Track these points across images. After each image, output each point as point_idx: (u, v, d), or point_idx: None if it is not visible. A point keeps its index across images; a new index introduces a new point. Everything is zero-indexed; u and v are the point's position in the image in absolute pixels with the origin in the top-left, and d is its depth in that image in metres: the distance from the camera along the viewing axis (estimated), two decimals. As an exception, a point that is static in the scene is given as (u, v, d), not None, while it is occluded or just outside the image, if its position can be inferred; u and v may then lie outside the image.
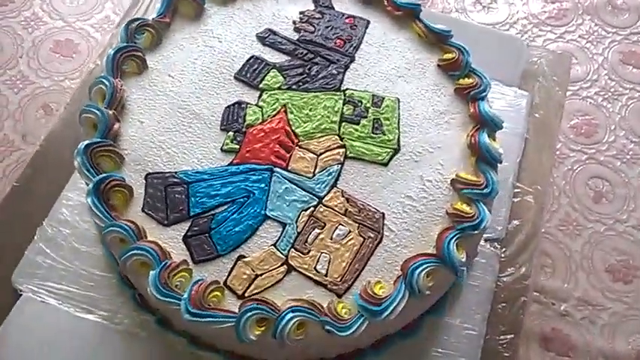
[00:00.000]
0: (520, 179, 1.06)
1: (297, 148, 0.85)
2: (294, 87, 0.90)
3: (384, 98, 0.90)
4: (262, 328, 0.72)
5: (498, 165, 0.84)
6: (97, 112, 0.83)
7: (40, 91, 1.29)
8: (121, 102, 0.87)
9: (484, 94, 0.89)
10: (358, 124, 0.88)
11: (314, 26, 0.96)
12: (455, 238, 0.77)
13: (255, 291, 0.76)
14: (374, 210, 0.82)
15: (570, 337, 1.08)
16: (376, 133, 0.87)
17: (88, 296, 0.91)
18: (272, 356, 0.81)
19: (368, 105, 0.89)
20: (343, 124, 0.88)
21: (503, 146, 1.03)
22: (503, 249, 1.00)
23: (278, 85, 0.90)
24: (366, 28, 0.97)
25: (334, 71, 0.92)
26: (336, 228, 0.80)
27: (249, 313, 0.71)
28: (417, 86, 0.92)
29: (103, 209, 0.77)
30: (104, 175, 0.79)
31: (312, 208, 0.81)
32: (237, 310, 0.72)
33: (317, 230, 0.80)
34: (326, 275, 0.77)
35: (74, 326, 0.88)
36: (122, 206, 0.80)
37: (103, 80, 0.86)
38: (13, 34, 1.37)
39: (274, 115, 0.88)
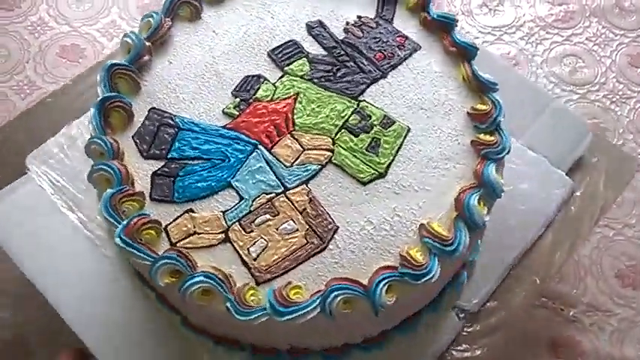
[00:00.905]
0: (521, 262, 0.99)
1: (288, 135, 0.86)
2: (315, 80, 0.91)
3: (394, 122, 0.88)
4: (173, 279, 0.74)
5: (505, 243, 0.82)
6: (134, 39, 0.90)
7: (46, 96, 1.18)
8: (162, 38, 0.93)
9: (498, 156, 0.84)
10: (357, 136, 0.86)
11: (363, 33, 0.96)
12: (389, 280, 0.74)
13: (187, 245, 0.78)
14: (330, 220, 0.80)
15: (579, 343, 1.08)
16: (369, 152, 0.85)
17: (77, 198, 0.99)
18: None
19: (375, 122, 0.88)
20: (343, 131, 0.87)
21: (516, 226, 0.97)
22: (470, 324, 0.94)
23: (302, 73, 0.92)
24: (414, 52, 0.95)
25: (360, 80, 0.91)
26: (286, 221, 0.80)
27: (166, 260, 0.74)
28: (435, 124, 0.88)
29: (99, 122, 0.84)
30: (113, 94, 0.86)
31: (273, 194, 0.82)
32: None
33: (268, 216, 0.80)
34: (255, 259, 0.77)
35: (55, 220, 0.97)
36: (118, 126, 0.86)
37: (153, 15, 0.93)
38: (19, 39, 1.36)
39: (284, 99, 0.89)
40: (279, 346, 0.86)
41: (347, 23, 0.97)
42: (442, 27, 0.96)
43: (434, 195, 0.83)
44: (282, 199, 0.81)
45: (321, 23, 0.97)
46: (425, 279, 0.74)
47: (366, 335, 0.88)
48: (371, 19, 0.98)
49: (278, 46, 0.94)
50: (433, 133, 0.88)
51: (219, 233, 0.79)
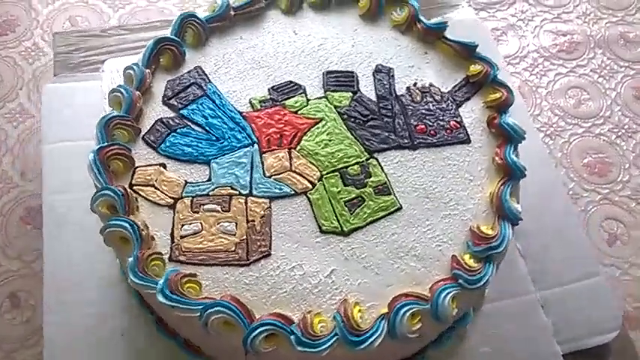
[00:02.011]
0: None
1: (286, 149, 0.85)
2: (345, 117, 0.89)
3: (390, 194, 0.83)
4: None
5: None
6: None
7: (39, 125, 1.15)
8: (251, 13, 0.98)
9: (472, 286, 0.75)
10: (345, 185, 0.83)
11: (422, 100, 0.91)
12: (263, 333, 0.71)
13: (135, 188, 0.81)
14: (267, 245, 0.78)
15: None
16: (347, 206, 0.81)
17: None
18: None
19: (371, 184, 0.83)
20: (337, 173, 0.84)
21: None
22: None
23: (339, 105, 0.90)
24: (459, 143, 0.88)
25: (386, 138, 0.87)
26: (231, 222, 0.79)
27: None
28: (428, 219, 0.82)
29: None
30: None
31: (237, 192, 0.81)
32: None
33: (219, 208, 0.80)
34: (181, 237, 0.78)
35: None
36: (169, 66, 0.92)
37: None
38: (13, 64, 1.29)
39: (307, 118, 0.88)
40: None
41: (415, 84, 0.93)
42: (505, 135, 0.88)
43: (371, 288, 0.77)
44: (241, 200, 0.81)
45: (390, 71, 0.94)
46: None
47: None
48: (441, 91, 0.92)
49: (336, 71, 0.93)
50: (420, 228, 0.81)
51: (170, 197, 0.81)
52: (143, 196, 0.81)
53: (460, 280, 0.76)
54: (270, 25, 0.98)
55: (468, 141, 0.88)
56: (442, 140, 0.88)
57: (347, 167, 0.84)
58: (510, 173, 0.84)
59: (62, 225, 0.96)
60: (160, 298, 0.72)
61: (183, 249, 0.77)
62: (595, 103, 1.33)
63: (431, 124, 0.89)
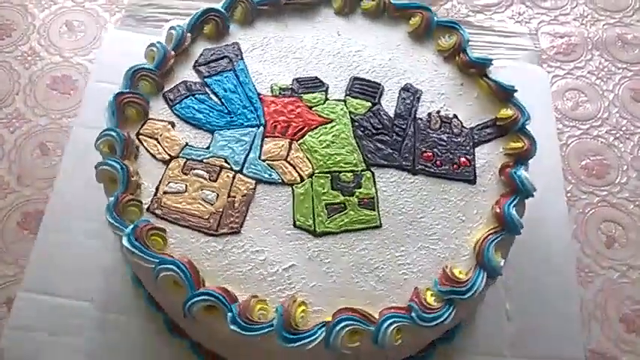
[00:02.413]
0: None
1: (288, 140, 0.86)
2: (356, 124, 0.88)
3: (374, 209, 0.82)
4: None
5: None
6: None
7: (36, 129, 1.18)
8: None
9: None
10: (333, 189, 0.83)
11: (440, 129, 0.89)
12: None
13: (140, 137, 0.86)
14: (239, 223, 0.80)
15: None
16: (327, 209, 0.81)
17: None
18: None
19: (359, 196, 0.82)
20: (328, 175, 0.84)
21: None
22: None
23: (355, 111, 0.90)
24: (462, 181, 0.85)
25: (388, 155, 0.86)
26: (213, 192, 0.82)
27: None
28: (402, 247, 0.80)
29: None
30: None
31: (227, 167, 0.83)
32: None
33: (206, 175, 0.83)
34: (164, 193, 0.81)
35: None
36: (212, 36, 0.96)
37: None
38: (9, 69, 1.28)
39: (319, 115, 0.89)
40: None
41: (438, 111, 0.91)
42: (513, 187, 0.84)
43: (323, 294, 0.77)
44: (229, 174, 0.83)
45: (417, 92, 0.92)
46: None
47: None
48: (462, 126, 0.90)
49: (363, 79, 0.93)
50: (392, 251, 0.80)
51: (166, 154, 0.84)
52: (145, 147, 0.85)
53: (413, 314, 0.74)
54: (317, 21, 1.00)
55: (473, 181, 0.86)
56: (445, 173, 0.85)
57: (340, 172, 0.84)
58: (504, 226, 0.81)
59: (80, 158, 1.02)
60: (125, 242, 0.75)
61: (162, 204, 0.80)
62: (593, 105, 1.32)
63: (440, 154, 0.87)
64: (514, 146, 0.88)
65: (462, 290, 0.75)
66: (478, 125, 0.90)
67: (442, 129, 0.89)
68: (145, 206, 0.80)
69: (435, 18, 0.99)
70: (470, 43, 0.97)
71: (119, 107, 0.86)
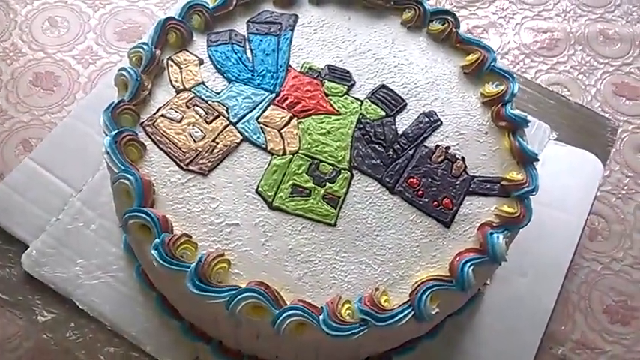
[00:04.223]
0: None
1: (290, 114, 0.88)
2: (360, 126, 0.88)
3: (336, 208, 0.81)
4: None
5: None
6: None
7: (19, 126, 1.18)
8: None
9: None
10: (306, 173, 0.83)
11: (439, 163, 0.86)
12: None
13: (170, 61, 0.92)
14: (209, 168, 0.83)
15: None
16: (292, 189, 0.82)
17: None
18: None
19: (327, 190, 0.82)
20: (309, 160, 0.84)
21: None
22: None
23: (367, 115, 0.89)
24: (436, 220, 0.82)
25: (374, 166, 0.85)
26: (201, 131, 0.85)
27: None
28: (341, 257, 0.79)
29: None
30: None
31: (225, 116, 0.87)
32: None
33: (203, 114, 0.87)
34: (161, 115, 0.87)
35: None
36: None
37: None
38: None
39: (331, 105, 0.90)
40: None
41: (447, 148, 0.88)
42: (483, 249, 0.80)
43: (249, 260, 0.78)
44: (223, 123, 0.87)
45: (437, 123, 0.90)
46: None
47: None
48: (464, 171, 0.86)
49: (392, 91, 0.92)
50: (331, 253, 0.79)
51: (181, 84, 0.90)
52: (168, 71, 0.91)
53: (321, 316, 0.72)
54: (380, 24, 1.00)
55: (446, 225, 0.82)
56: (422, 205, 0.83)
57: (321, 162, 0.84)
58: (454, 279, 0.77)
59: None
60: (105, 141, 0.81)
61: (155, 124, 0.85)
62: (575, 99, 1.33)
63: (426, 185, 0.84)
64: (507, 210, 0.83)
65: (378, 316, 0.73)
66: (481, 177, 0.86)
67: (442, 165, 0.86)
68: (141, 121, 0.86)
69: (495, 64, 0.95)
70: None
71: (164, 29, 0.92)
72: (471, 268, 0.77)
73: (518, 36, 1.48)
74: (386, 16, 1.01)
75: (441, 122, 0.90)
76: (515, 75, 0.94)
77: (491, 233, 0.79)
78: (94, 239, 0.96)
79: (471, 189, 0.85)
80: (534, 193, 0.85)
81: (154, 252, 0.74)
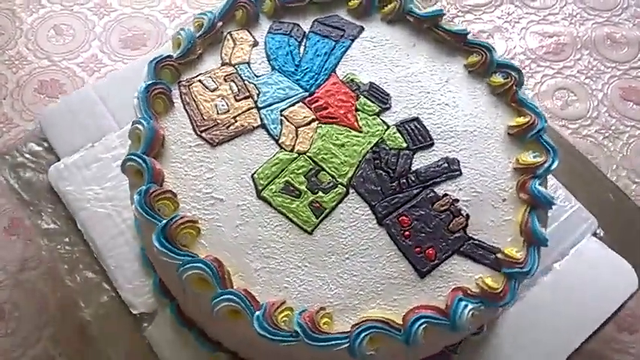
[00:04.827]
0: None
1: (314, 117, 0.89)
2: (375, 149, 0.87)
3: (317, 219, 0.81)
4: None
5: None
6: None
7: (24, 134, 1.18)
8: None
9: None
10: (304, 176, 0.84)
11: (440, 212, 0.82)
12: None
13: (228, 35, 0.96)
14: (220, 141, 0.86)
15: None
16: (282, 182, 0.83)
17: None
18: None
19: (316, 199, 0.82)
20: (311, 163, 0.85)
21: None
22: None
23: (386, 140, 0.88)
24: (412, 266, 0.79)
25: (372, 193, 0.83)
26: (227, 106, 0.89)
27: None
28: (304, 265, 0.78)
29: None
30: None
31: (254, 99, 0.90)
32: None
33: (236, 91, 0.90)
34: (199, 81, 0.91)
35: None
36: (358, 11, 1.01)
37: None
38: None
39: (355, 121, 0.89)
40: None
41: (455, 201, 0.84)
42: (445, 309, 0.76)
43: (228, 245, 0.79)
44: (250, 104, 0.90)
45: (454, 173, 0.86)
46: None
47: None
48: (462, 230, 0.82)
49: (422, 126, 0.90)
50: (289, 255, 0.79)
51: (228, 58, 0.94)
52: (223, 43, 0.95)
53: (258, 313, 0.73)
54: (440, 61, 0.97)
55: (421, 275, 0.79)
56: (404, 247, 0.80)
57: (323, 170, 0.84)
58: (400, 331, 0.74)
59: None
60: (139, 89, 0.87)
61: (190, 86, 0.90)
62: (582, 104, 1.34)
63: (416, 229, 0.81)
64: (490, 284, 0.77)
65: (311, 335, 0.72)
66: (478, 241, 0.82)
67: (442, 215, 0.82)
68: (180, 80, 0.90)
69: (542, 134, 0.89)
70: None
71: (234, 5, 0.97)
72: (423, 326, 0.73)
73: (523, 40, 1.46)
74: (451, 54, 0.98)
75: (461, 173, 0.86)
76: (556, 150, 0.88)
77: (460, 300, 0.75)
78: (116, 173, 1.03)
79: (462, 249, 0.81)
80: (528, 276, 0.79)
81: (136, 196, 0.78)
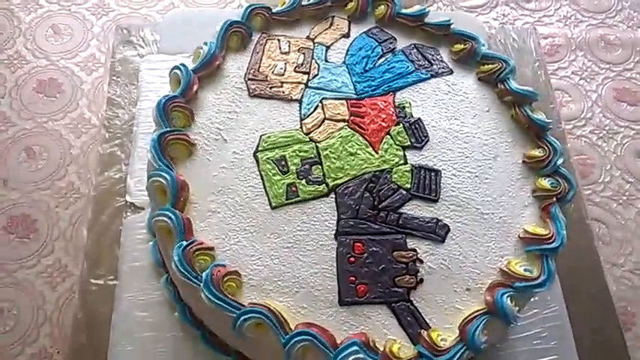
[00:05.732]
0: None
1: (348, 116, 0.91)
2: (378, 174, 0.86)
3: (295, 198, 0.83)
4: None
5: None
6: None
7: (22, 133, 1.18)
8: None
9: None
10: (301, 164, 0.86)
11: (394, 259, 0.79)
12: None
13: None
14: (259, 94, 0.92)
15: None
16: (278, 162, 0.86)
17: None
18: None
19: (298, 183, 0.84)
20: (313, 152, 0.87)
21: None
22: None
23: (392, 174, 0.86)
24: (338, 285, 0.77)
25: (350, 207, 0.83)
26: (284, 69, 0.94)
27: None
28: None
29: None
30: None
31: (309, 77, 0.94)
32: None
33: (300, 63, 0.96)
34: (270, 59, 0.97)
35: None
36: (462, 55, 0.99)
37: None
38: None
39: (380, 141, 0.89)
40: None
41: (420, 261, 0.80)
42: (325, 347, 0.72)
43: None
44: (302, 79, 0.94)
45: (443, 239, 0.82)
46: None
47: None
48: (405, 294, 0.77)
49: (436, 183, 0.86)
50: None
51: (320, 37, 1.00)
52: (323, 23, 1.02)
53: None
54: (497, 140, 0.92)
55: (340, 302, 0.76)
56: (341, 268, 0.78)
57: (319, 165, 0.86)
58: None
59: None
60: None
61: (268, 40, 0.98)
62: (576, 105, 1.36)
63: (361, 261, 0.79)
64: (434, 338, 0.73)
65: (209, 287, 0.73)
66: (415, 309, 0.77)
67: (397, 265, 0.79)
68: (267, 32, 0.99)
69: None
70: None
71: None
72: (302, 344, 0.71)
73: (519, 42, 1.42)
74: (522, 141, 0.93)
75: (443, 241, 0.82)
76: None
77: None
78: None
79: (395, 305, 0.77)
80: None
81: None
